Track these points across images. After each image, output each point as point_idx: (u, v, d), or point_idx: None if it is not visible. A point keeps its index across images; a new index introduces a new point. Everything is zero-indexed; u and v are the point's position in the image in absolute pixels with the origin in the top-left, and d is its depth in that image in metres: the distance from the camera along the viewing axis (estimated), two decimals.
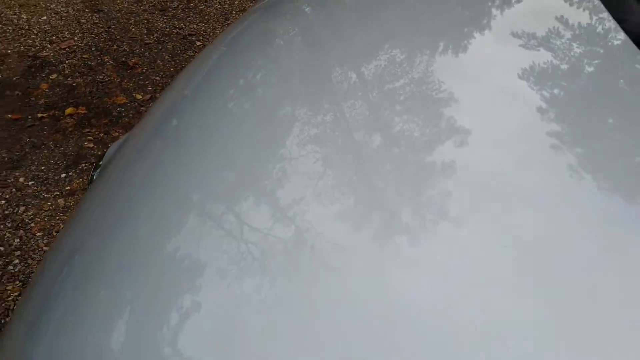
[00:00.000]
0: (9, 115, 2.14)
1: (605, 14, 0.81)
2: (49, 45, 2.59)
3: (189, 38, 2.78)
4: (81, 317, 0.55)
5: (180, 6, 3.06)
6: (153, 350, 0.50)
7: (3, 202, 1.77)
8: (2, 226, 1.69)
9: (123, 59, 2.55)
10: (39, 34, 2.67)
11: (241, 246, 0.56)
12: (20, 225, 1.70)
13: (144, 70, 2.49)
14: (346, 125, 0.69)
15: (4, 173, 1.88)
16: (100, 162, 0.86)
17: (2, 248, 1.62)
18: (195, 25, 2.90)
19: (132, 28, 2.81)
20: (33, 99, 2.25)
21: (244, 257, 0.55)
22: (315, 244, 0.55)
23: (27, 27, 2.71)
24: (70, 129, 2.11)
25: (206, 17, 2.99)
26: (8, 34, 2.64)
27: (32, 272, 1.55)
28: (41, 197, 1.80)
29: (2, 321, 1.43)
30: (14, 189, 1.82)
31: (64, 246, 0.65)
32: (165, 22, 2.90)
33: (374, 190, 0.60)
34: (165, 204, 0.64)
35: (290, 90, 0.79)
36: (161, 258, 0.57)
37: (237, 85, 0.84)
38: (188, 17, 2.97)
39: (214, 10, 3.06)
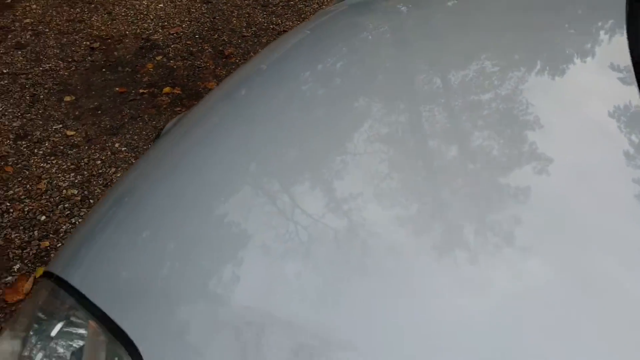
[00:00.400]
0: (117, 89, 2.42)
1: None
2: (160, 30, 2.88)
3: (284, 34, 2.94)
4: (118, 247, 0.63)
5: (280, 3, 3.24)
6: (175, 292, 0.54)
7: (99, 162, 2.03)
8: (95, 182, 1.94)
9: (220, 48, 2.77)
10: (154, 19, 2.97)
11: (289, 226, 0.57)
12: (109, 184, 1.93)
13: (237, 61, 2.69)
14: (421, 130, 0.67)
15: (104, 138, 2.14)
16: (162, 131, 0.98)
17: (92, 201, 1.86)
18: (291, 22, 3.05)
19: (234, 20, 3.03)
20: (139, 76, 2.52)
21: (291, 237, 0.56)
22: (367, 242, 0.55)
23: (145, 12, 3.03)
24: (164, 106, 2.34)
25: (302, 16, 3.13)
26: (129, 17, 2.97)
27: None
28: (130, 162, 2.04)
29: None
30: (109, 152, 2.07)
31: (117, 189, 0.75)
32: (264, 17, 3.08)
33: (438, 202, 0.58)
34: (209, 168, 0.67)
35: (368, 84, 0.78)
36: (201, 216, 0.61)
37: (314, 70, 0.83)
38: (286, 14, 3.14)
39: (311, 10, 3.19)
